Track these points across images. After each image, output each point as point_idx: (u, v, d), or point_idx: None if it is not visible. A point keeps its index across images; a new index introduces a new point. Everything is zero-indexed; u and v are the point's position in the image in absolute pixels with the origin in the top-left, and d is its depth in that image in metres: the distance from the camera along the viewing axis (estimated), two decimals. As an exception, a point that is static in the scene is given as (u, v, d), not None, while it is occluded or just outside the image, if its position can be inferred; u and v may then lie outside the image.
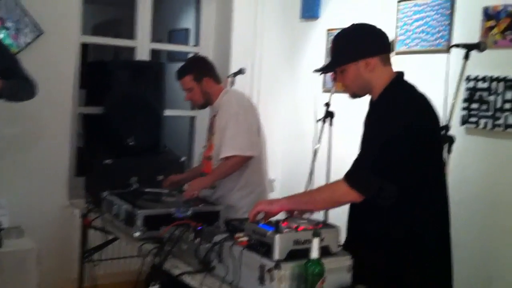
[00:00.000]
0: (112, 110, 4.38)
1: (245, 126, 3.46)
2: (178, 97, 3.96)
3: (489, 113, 3.72)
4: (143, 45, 5.08)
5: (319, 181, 4.11)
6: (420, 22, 4.26)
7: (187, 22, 6.21)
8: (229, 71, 4.92)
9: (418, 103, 2.41)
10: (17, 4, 4.20)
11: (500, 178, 3.71)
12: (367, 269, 2.33)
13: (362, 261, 2.33)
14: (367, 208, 2.35)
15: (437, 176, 2.45)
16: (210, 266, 2.45)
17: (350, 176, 2.34)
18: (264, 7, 5.32)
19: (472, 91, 3.83)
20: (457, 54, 3.60)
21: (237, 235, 2.36)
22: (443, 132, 3.28)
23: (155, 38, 5.31)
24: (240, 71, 4.61)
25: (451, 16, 4.05)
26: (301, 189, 4.13)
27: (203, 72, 3.62)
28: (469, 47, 3.48)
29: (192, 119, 5.55)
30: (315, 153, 4.18)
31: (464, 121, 3.86)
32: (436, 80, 3.91)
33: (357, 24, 2.56)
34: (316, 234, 2.10)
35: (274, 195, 4.24)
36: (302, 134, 5.12)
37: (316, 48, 5.19)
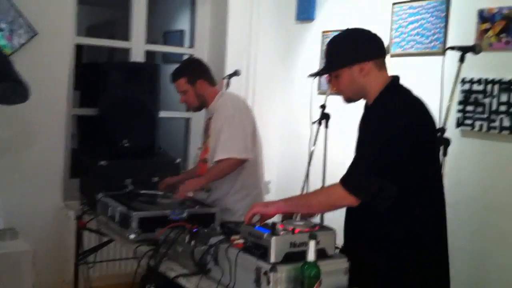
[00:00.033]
0: (107, 111, 4.36)
1: (240, 129, 3.46)
2: (173, 98, 3.96)
3: (485, 116, 3.73)
4: (137, 47, 5.07)
5: (315, 183, 4.10)
6: (415, 25, 4.26)
7: (182, 23, 6.20)
8: (224, 73, 4.92)
9: (415, 106, 2.41)
10: (11, 5, 4.18)
11: (496, 180, 3.71)
12: (366, 269, 2.34)
13: (361, 261, 2.33)
14: (365, 208, 2.34)
15: (435, 176, 2.46)
16: (206, 268, 2.45)
17: (347, 180, 2.34)
18: (259, 9, 5.32)
19: (467, 93, 3.83)
20: (452, 56, 3.60)
21: (233, 237, 2.36)
22: (438, 134, 3.29)
23: (150, 39, 5.30)
24: (235, 73, 4.61)
25: (446, 18, 4.05)
26: (296, 191, 4.13)
27: (197, 75, 3.61)
28: (464, 50, 3.49)
29: (187, 120, 5.54)
30: (310, 155, 4.17)
31: (460, 123, 3.87)
32: (431, 82, 3.90)
33: (351, 29, 2.56)
34: (312, 236, 2.10)
35: (269, 197, 4.24)
36: (298, 136, 5.11)
37: (311, 50, 5.19)
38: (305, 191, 4.12)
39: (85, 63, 5.52)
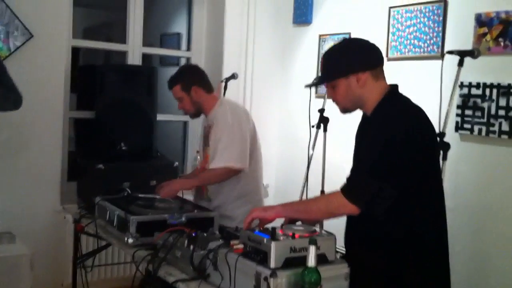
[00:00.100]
0: (104, 114, 4.35)
1: (238, 138, 3.44)
2: (171, 102, 3.94)
3: (483, 120, 3.73)
4: (134, 49, 5.06)
5: (314, 187, 4.10)
6: (413, 28, 4.27)
7: (179, 26, 6.18)
8: (221, 76, 4.91)
9: (414, 112, 2.41)
10: (7, 7, 4.17)
11: (495, 184, 3.71)
12: (366, 269, 2.34)
13: (361, 261, 2.34)
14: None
15: (435, 178, 2.46)
16: (205, 273, 2.44)
17: (347, 189, 2.33)
18: (256, 12, 5.32)
19: (466, 97, 3.84)
20: (450, 60, 3.60)
21: (233, 242, 2.35)
22: (438, 139, 3.29)
23: (147, 42, 5.28)
24: (233, 76, 4.60)
25: (443, 22, 4.06)
26: (295, 194, 4.13)
27: (192, 82, 3.59)
28: (463, 54, 3.49)
29: (185, 124, 5.53)
30: (309, 159, 4.17)
31: (458, 127, 3.87)
32: (430, 86, 3.91)
33: (348, 39, 2.58)
34: (312, 241, 2.09)
35: (268, 200, 4.23)
36: (296, 139, 5.11)
37: (309, 54, 5.19)
38: (304, 195, 4.11)
39: (82, 66, 5.49)
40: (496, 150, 3.70)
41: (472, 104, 3.81)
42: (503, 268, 3.65)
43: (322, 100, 4.15)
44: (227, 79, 4.60)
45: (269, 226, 2.36)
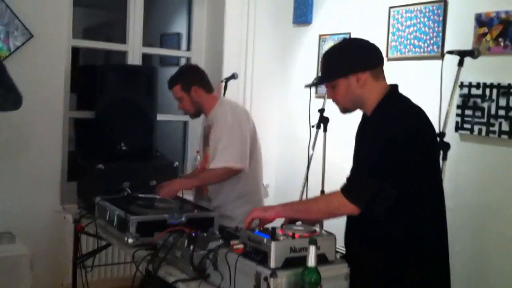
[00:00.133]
0: (104, 114, 4.34)
1: (238, 139, 3.44)
2: (171, 102, 3.94)
3: (483, 120, 3.73)
4: (134, 49, 5.06)
5: (314, 187, 4.10)
6: (413, 28, 4.27)
7: (179, 26, 6.17)
8: (221, 76, 4.91)
9: (414, 112, 2.41)
10: (7, 7, 4.17)
11: (495, 185, 3.71)
12: (367, 269, 2.34)
13: (361, 261, 2.34)
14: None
15: (435, 176, 2.46)
16: (205, 273, 2.43)
17: (347, 189, 2.33)
18: (256, 12, 5.32)
19: (466, 97, 3.84)
20: (450, 60, 3.60)
21: (233, 242, 2.35)
22: (438, 139, 3.29)
23: (147, 42, 5.28)
24: (233, 76, 4.60)
25: (443, 22, 4.06)
26: (295, 194, 4.13)
27: (192, 82, 3.58)
28: (463, 54, 3.49)
29: (185, 124, 5.53)
30: (309, 159, 4.17)
31: (458, 127, 3.87)
32: (430, 86, 3.91)
33: (348, 39, 2.57)
34: (312, 241, 2.09)
35: (268, 200, 4.23)
36: (296, 139, 5.11)
37: (309, 54, 5.19)
38: (304, 195, 4.11)
39: (82, 66, 5.49)
40: (496, 150, 3.70)
41: (472, 104, 3.81)
42: (503, 268, 3.65)
43: (322, 100, 4.14)
44: (227, 79, 4.60)
45: (269, 226, 2.36)
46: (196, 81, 3.60)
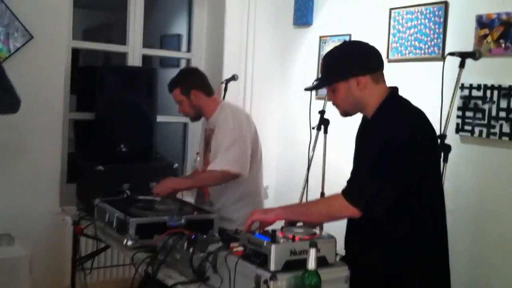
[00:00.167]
0: (104, 116, 4.34)
1: (239, 143, 3.42)
2: (171, 103, 3.94)
3: (484, 122, 3.72)
4: (134, 51, 5.05)
5: (314, 188, 4.09)
6: (413, 30, 4.26)
7: (179, 27, 6.17)
8: (221, 78, 4.91)
9: (415, 114, 2.41)
10: (7, 8, 4.16)
11: (495, 186, 3.71)
12: (367, 269, 2.34)
13: (361, 262, 2.34)
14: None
15: (435, 177, 2.46)
16: (205, 276, 2.42)
17: (348, 191, 2.33)
18: (256, 13, 5.31)
19: (466, 99, 3.83)
20: (451, 62, 3.59)
21: (232, 244, 2.34)
22: (439, 141, 3.28)
23: (147, 43, 5.28)
24: (233, 78, 4.60)
25: (444, 24, 4.05)
26: (295, 196, 4.12)
27: (191, 85, 3.57)
28: (464, 55, 3.48)
29: (185, 125, 5.52)
30: (310, 160, 4.16)
31: (459, 129, 3.86)
32: (431, 88, 3.90)
33: (348, 42, 2.57)
34: (312, 244, 2.08)
35: (268, 202, 4.22)
36: (296, 141, 5.11)
37: (309, 55, 5.18)
38: (304, 197, 4.10)
39: (82, 67, 5.48)
40: (496, 152, 3.69)
41: (473, 105, 3.80)
42: (503, 269, 3.64)
43: (322, 101, 4.13)
44: (227, 81, 4.60)
45: (269, 228, 2.35)
46: (195, 85, 3.58)
